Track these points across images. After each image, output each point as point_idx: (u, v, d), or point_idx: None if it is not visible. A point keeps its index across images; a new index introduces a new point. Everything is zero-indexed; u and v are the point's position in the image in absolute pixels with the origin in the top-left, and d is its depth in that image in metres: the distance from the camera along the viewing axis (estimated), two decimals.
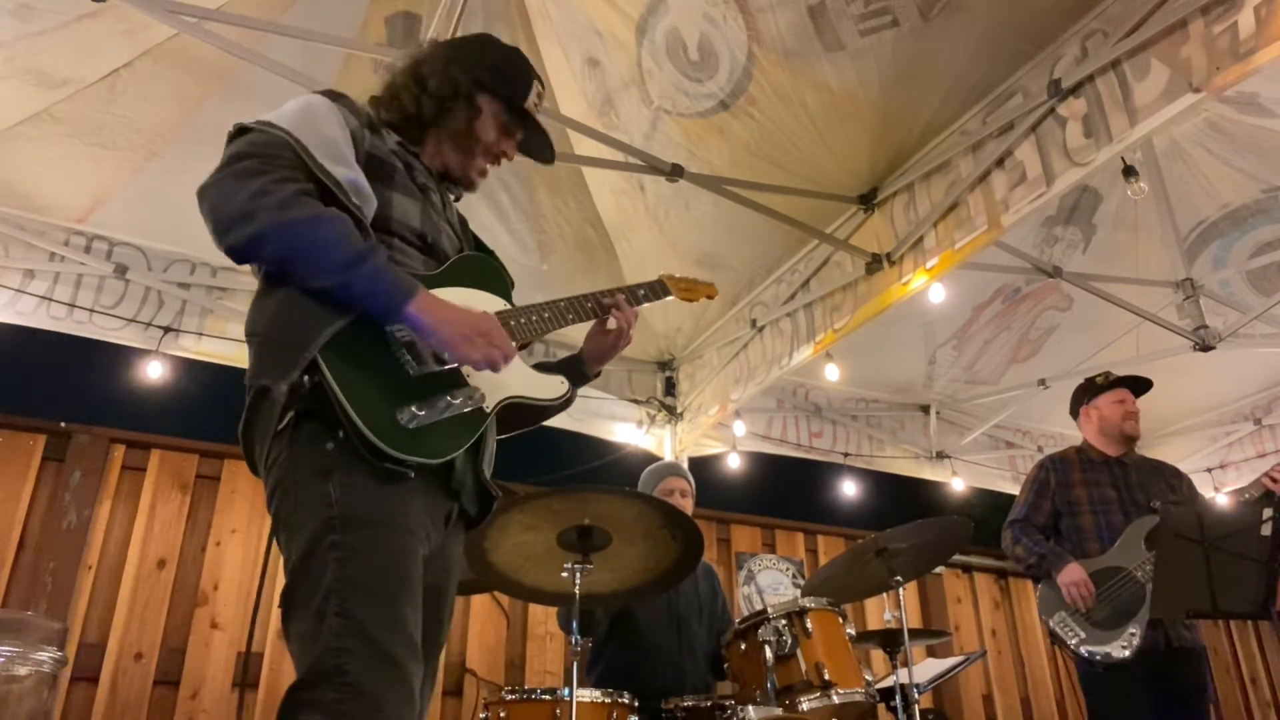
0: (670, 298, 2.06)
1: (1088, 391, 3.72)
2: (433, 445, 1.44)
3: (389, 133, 1.71)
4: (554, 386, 1.74)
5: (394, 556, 1.38)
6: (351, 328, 1.43)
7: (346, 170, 1.54)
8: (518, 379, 1.64)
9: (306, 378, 1.37)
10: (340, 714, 1.25)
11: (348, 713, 1.25)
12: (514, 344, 1.62)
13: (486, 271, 1.76)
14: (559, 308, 1.76)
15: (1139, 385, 3.67)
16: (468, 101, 1.77)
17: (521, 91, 1.81)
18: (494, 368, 1.51)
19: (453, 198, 1.87)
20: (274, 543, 1.44)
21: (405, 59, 1.84)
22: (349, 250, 1.43)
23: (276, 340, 1.43)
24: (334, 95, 1.66)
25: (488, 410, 1.56)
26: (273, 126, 1.52)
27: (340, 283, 1.42)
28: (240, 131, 1.54)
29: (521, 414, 1.70)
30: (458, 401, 1.47)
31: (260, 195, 1.41)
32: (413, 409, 1.42)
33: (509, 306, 1.72)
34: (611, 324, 1.82)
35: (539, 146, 1.91)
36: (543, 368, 1.83)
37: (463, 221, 1.88)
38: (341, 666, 1.27)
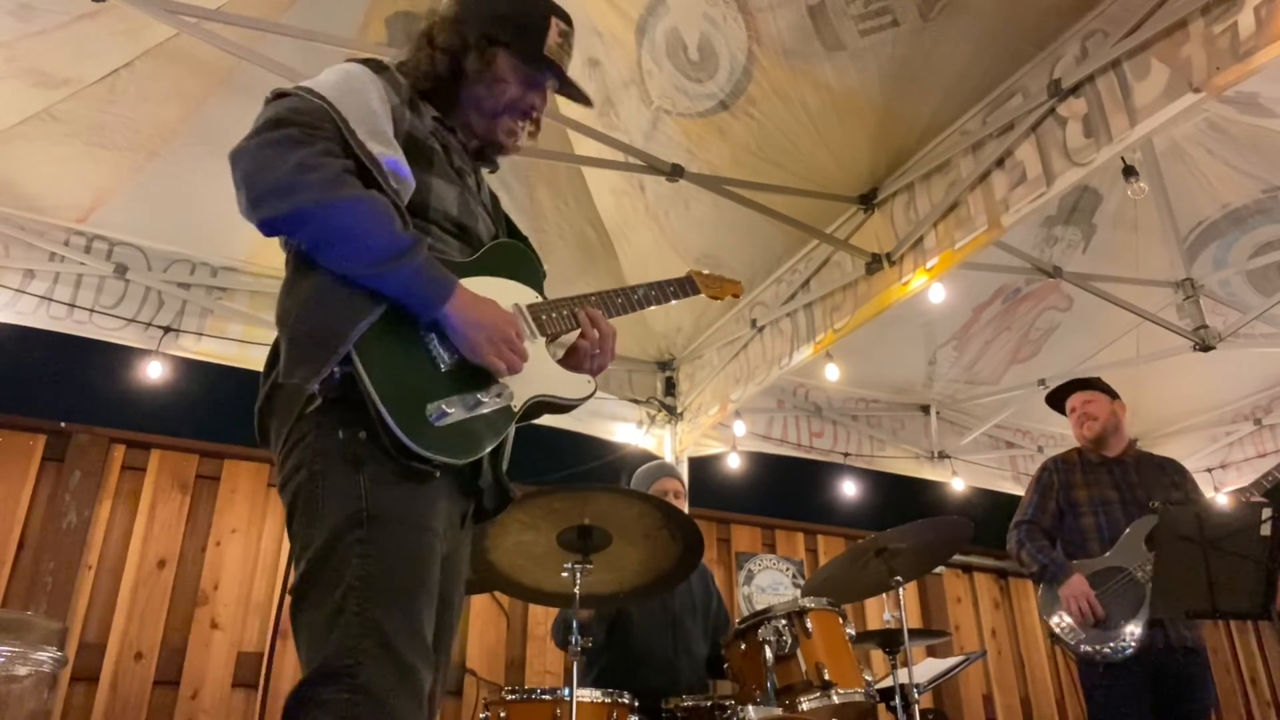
0: (699, 295, 2.03)
1: (1058, 409, 3.76)
2: (460, 444, 1.42)
3: (427, 107, 1.64)
4: (580, 386, 1.67)
5: (418, 558, 1.36)
6: (384, 318, 1.38)
7: (386, 149, 1.47)
8: (545, 376, 1.60)
9: (338, 368, 1.33)
10: (348, 714, 1.23)
11: (357, 715, 1.23)
12: (543, 337, 1.62)
13: (520, 260, 1.70)
14: (590, 303, 1.73)
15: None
16: (480, 58, 1.66)
17: (536, 38, 1.68)
18: (511, 373, 1.49)
19: (487, 171, 1.80)
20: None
21: (424, 22, 1.74)
22: (391, 242, 1.38)
23: (308, 332, 1.38)
24: (376, 66, 1.58)
25: (515, 409, 1.53)
26: (313, 94, 1.45)
27: (377, 275, 1.37)
28: (278, 96, 1.47)
29: (545, 411, 1.65)
30: (487, 400, 1.45)
31: (302, 170, 1.35)
32: (442, 406, 1.39)
33: (540, 298, 1.68)
34: (584, 341, 1.70)
35: (572, 87, 1.78)
36: None
37: (495, 201, 1.82)
38: (355, 667, 1.24)
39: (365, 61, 1.58)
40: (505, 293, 1.60)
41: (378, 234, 1.38)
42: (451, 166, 1.62)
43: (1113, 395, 3.65)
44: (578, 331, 1.70)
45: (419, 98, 1.63)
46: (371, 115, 1.48)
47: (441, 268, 1.44)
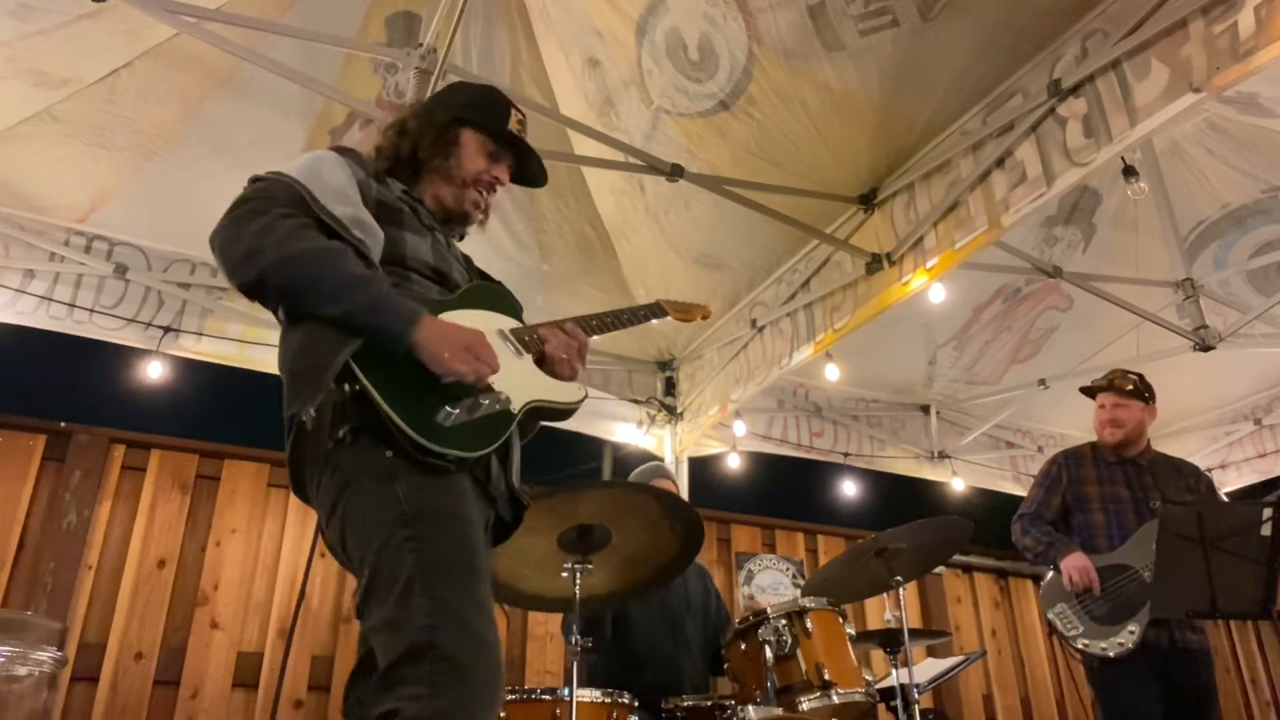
0: (668, 318, 2.22)
1: (1090, 396, 3.72)
2: (469, 441, 1.54)
3: (394, 181, 1.82)
4: (572, 391, 1.81)
5: (465, 542, 1.49)
6: (375, 344, 1.50)
7: (348, 208, 1.63)
8: (539, 384, 1.75)
9: (347, 387, 1.46)
10: (435, 683, 1.35)
11: (442, 682, 1.35)
12: (529, 356, 1.76)
13: (498, 296, 1.87)
14: (564, 327, 1.86)
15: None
16: (449, 136, 1.87)
17: (500, 118, 1.91)
18: (480, 380, 1.57)
19: (457, 238, 1.96)
20: (314, 550, 1.52)
21: (392, 118, 1.98)
22: (347, 276, 1.52)
23: (302, 366, 1.53)
24: (342, 150, 1.78)
25: (515, 411, 1.65)
26: (280, 175, 1.64)
27: (344, 311, 1.50)
28: (251, 182, 1.65)
29: (542, 417, 1.79)
30: (487, 403, 1.56)
31: (264, 233, 1.52)
32: (448, 408, 1.51)
33: (520, 324, 1.83)
34: (551, 351, 1.81)
35: (531, 170, 2.01)
36: None
37: (467, 260, 1.97)
38: (434, 642, 1.37)
39: (334, 148, 1.79)
40: (487, 322, 1.73)
41: (333, 274, 1.52)
42: (421, 223, 1.79)
43: (1148, 401, 3.55)
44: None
45: (386, 174, 1.83)
46: (336, 184, 1.65)
47: (406, 300, 1.57)
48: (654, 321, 2.20)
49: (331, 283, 1.51)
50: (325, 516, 1.55)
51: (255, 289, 1.55)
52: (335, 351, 1.47)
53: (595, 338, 1.96)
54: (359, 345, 1.48)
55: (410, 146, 1.86)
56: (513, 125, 1.93)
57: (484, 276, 1.97)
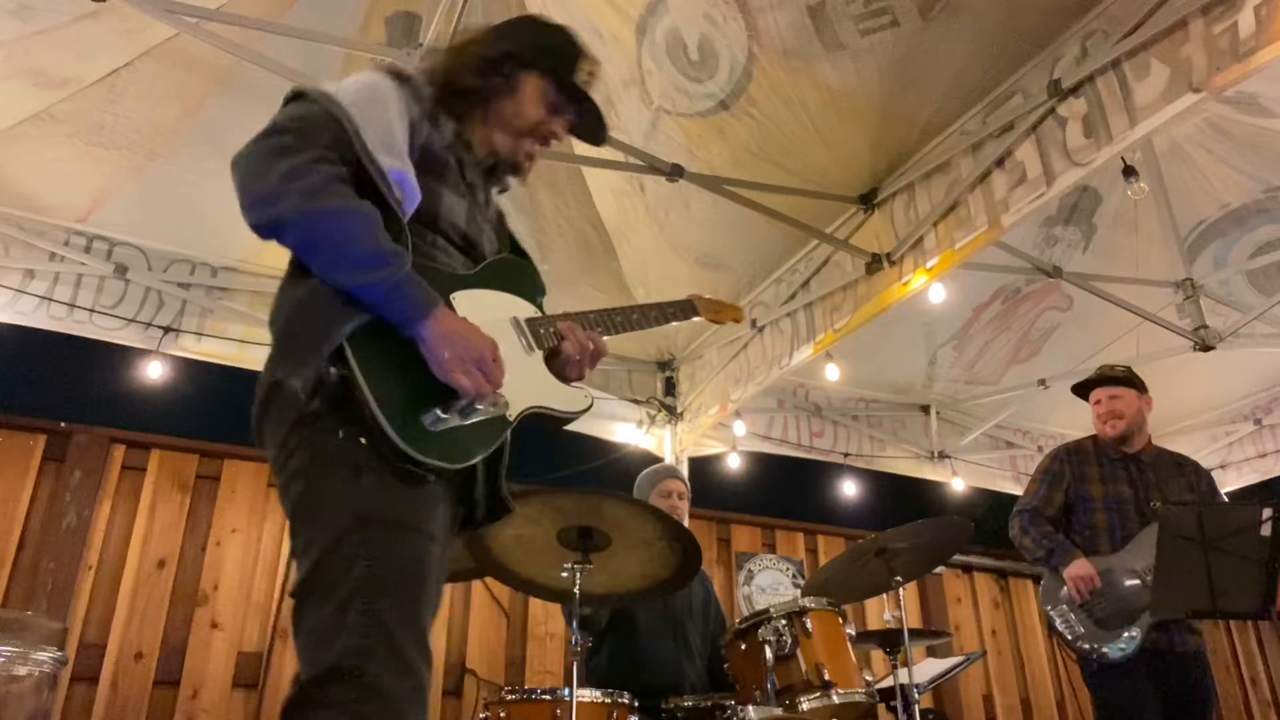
0: (698, 318, 2.04)
1: (1083, 397, 3.70)
2: (453, 449, 1.42)
3: (447, 120, 1.65)
4: (577, 399, 1.66)
5: (419, 561, 1.37)
6: (379, 323, 1.38)
7: (395, 162, 1.48)
8: (542, 388, 1.61)
9: (333, 369, 1.34)
10: (356, 713, 1.24)
11: (363, 712, 1.24)
12: (541, 350, 1.63)
13: (520, 275, 1.73)
14: (588, 319, 1.74)
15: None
16: (511, 78, 1.70)
17: (567, 67, 1.73)
18: (479, 394, 1.43)
19: (496, 190, 1.82)
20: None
21: (455, 40, 1.80)
22: (371, 254, 1.37)
23: (297, 330, 1.40)
24: (401, 77, 1.60)
25: (511, 419, 1.53)
26: (330, 101, 1.47)
27: (357, 285, 1.37)
28: (293, 98, 1.51)
29: (541, 421, 1.65)
30: (482, 407, 1.41)
31: (289, 178, 1.36)
32: (437, 411, 1.37)
33: (538, 313, 1.69)
34: (566, 350, 1.66)
35: (590, 126, 1.83)
36: None
37: (501, 219, 1.84)
38: (361, 666, 1.25)
39: (389, 71, 1.60)
40: (504, 306, 1.62)
41: (358, 244, 1.37)
42: (464, 180, 1.65)
43: (1141, 390, 3.53)
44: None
45: (440, 109, 1.65)
46: (387, 127, 1.50)
47: (426, 287, 1.42)
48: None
49: (353, 253, 1.36)
50: (281, 484, 1.42)
51: (266, 232, 1.40)
52: (337, 323, 1.34)
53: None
54: (364, 321, 1.36)
55: (470, 80, 1.67)
56: (581, 76, 1.74)
57: (514, 244, 1.83)
